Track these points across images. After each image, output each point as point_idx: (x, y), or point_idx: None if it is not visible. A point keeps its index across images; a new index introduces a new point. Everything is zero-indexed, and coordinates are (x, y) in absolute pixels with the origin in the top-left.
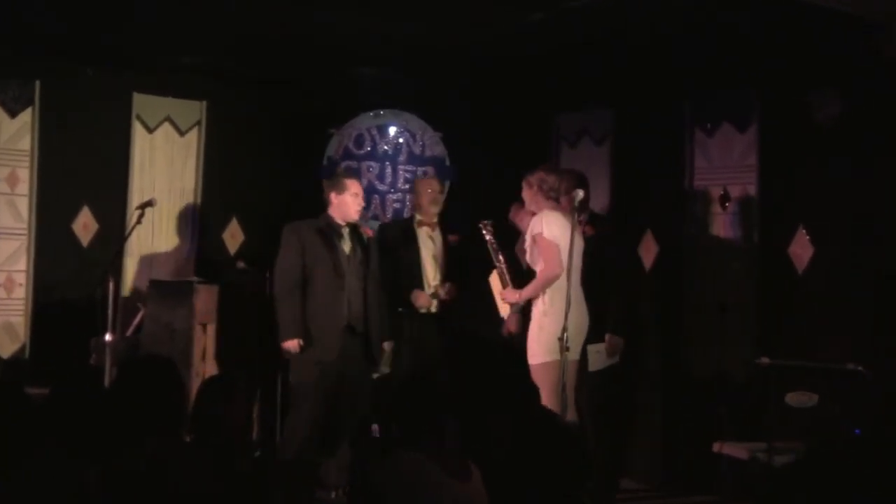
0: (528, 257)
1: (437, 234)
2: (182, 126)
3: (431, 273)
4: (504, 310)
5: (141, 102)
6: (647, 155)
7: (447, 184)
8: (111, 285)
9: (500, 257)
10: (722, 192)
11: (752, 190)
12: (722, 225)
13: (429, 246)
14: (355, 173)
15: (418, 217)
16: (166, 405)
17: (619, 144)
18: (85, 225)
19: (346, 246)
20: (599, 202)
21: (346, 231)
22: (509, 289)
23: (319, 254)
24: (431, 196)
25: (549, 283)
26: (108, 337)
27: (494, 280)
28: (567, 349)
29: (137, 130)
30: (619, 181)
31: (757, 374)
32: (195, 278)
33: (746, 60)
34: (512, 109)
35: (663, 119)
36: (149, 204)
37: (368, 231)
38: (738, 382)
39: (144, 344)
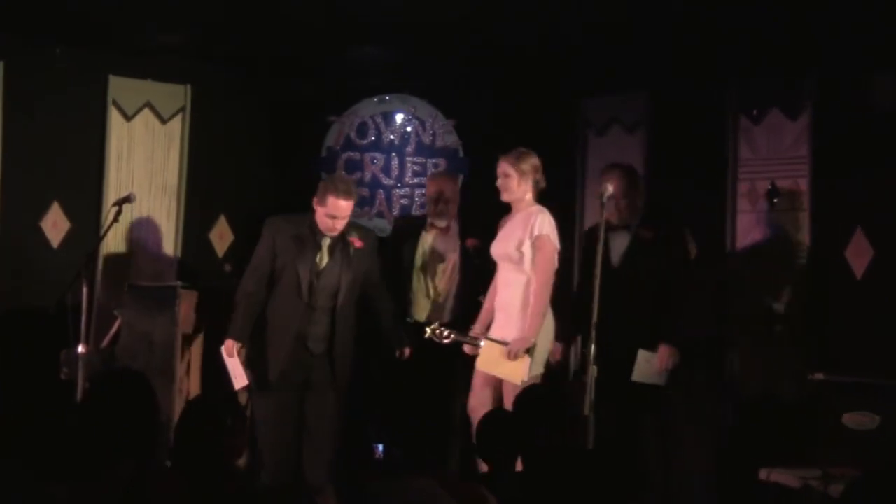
0: (506, 253)
1: (450, 240)
2: (164, 113)
3: (424, 286)
4: (520, 374)
5: (117, 86)
6: (685, 144)
7: (460, 178)
8: (84, 291)
9: (476, 332)
10: (769, 187)
11: (803, 184)
12: (769, 224)
13: (430, 253)
14: (357, 166)
15: (429, 218)
16: (136, 425)
17: (654, 132)
18: (55, 223)
19: (323, 260)
20: None
21: (325, 242)
22: (515, 339)
23: (290, 263)
24: (433, 210)
25: (548, 297)
26: (80, 349)
27: (487, 354)
28: (594, 364)
29: (114, 118)
30: (654, 174)
31: (810, 392)
32: (178, 283)
33: (799, 37)
34: (533, 93)
35: (704, 104)
36: (127, 200)
37: (357, 242)
38: (789, 401)
39: (121, 356)
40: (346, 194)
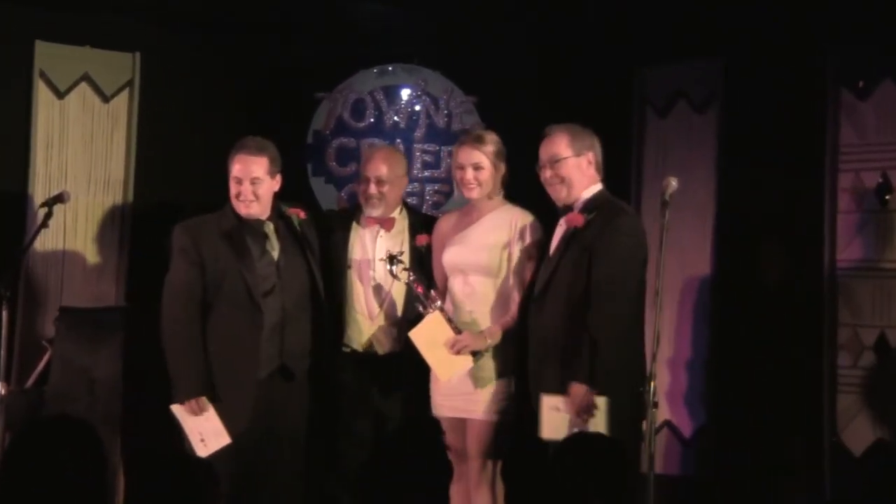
0: (484, 264)
1: (396, 236)
2: (106, 88)
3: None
4: (447, 372)
5: (47, 54)
6: (769, 126)
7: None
8: (4, 315)
9: (433, 293)
10: (880, 181)
11: None
12: (880, 228)
13: (369, 252)
14: (352, 155)
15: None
16: (78, 488)
17: (730, 111)
18: None
19: (275, 249)
20: (702, 191)
21: (269, 227)
22: (467, 334)
23: (230, 269)
24: (369, 192)
25: None
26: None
27: (429, 329)
28: (655, 405)
29: (41, 94)
30: (729, 163)
31: None
32: (124, 305)
33: None
34: (577, 62)
35: (795, 75)
36: (59, 199)
37: (301, 212)
38: None
39: (52, 399)
40: (256, 150)
